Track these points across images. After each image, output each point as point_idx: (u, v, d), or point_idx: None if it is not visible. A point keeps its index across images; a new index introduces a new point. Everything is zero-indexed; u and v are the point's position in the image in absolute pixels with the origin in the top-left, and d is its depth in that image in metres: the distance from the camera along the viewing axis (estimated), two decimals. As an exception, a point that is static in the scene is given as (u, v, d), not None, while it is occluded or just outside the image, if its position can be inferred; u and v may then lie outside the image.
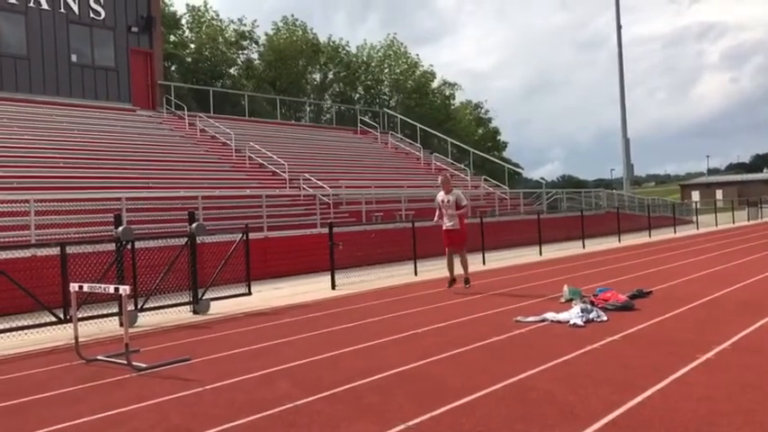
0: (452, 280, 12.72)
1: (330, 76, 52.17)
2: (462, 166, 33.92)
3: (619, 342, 7.42)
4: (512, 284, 13.21)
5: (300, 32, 49.84)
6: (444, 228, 12.67)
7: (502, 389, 5.71)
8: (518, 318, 9.07)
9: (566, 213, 28.58)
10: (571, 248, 21.87)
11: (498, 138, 62.83)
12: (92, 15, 25.19)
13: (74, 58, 24.61)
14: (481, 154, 39.63)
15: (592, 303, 9.40)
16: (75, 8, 24.69)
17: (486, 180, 31.45)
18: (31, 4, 23.52)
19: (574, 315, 8.75)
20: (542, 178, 35.53)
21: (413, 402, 5.39)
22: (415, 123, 36.18)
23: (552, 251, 20.65)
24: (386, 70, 54.38)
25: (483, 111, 62.30)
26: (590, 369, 6.27)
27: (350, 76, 52.16)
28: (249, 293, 11.96)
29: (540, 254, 20.01)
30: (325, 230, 14.82)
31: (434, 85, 56.50)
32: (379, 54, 54.31)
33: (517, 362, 6.61)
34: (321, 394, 5.73)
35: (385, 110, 42.53)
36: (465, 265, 12.81)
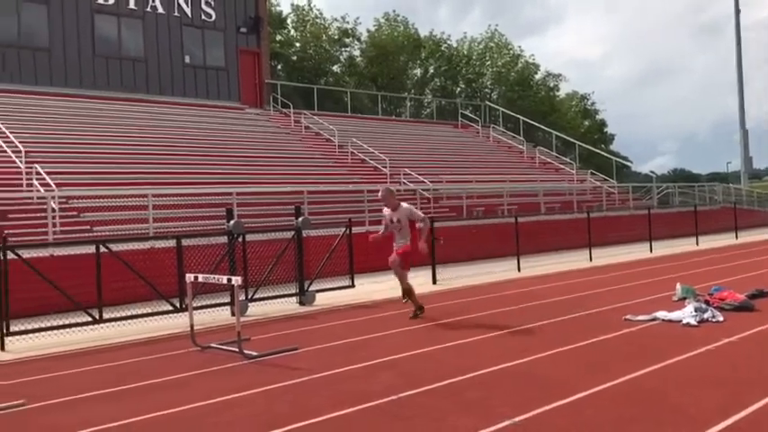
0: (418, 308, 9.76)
1: (431, 70, 52.11)
2: (568, 159, 33.07)
3: (736, 344, 7.04)
4: (620, 282, 12.79)
5: (402, 28, 50.04)
6: (395, 251, 9.79)
7: (611, 388, 5.55)
8: (627, 316, 8.77)
9: (678, 208, 27.33)
10: (683, 245, 20.90)
11: (605, 130, 60.75)
12: (203, 18, 26.30)
13: (187, 59, 25.79)
14: (587, 147, 38.44)
15: (706, 302, 8.97)
16: (188, 11, 25.84)
17: (592, 174, 30.51)
18: (148, 9, 24.81)
19: (687, 314, 8.38)
20: (652, 172, 34.20)
21: (517, 399, 5.33)
22: (518, 116, 35.57)
23: (663, 248, 19.81)
24: (487, 63, 53.74)
25: (589, 102, 60.42)
26: (704, 371, 5.99)
27: (451, 70, 51.88)
28: (352, 286, 12.18)
29: (651, 250, 19.23)
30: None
31: (538, 76, 55.34)
32: (480, 47, 53.74)
33: (626, 361, 6.40)
34: (423, 387, 5.76)
35: (486, 103, 42.08)
36: (406, 289, 9.95)
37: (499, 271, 15.06)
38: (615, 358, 6.63)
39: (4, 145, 16.25)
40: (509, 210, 20.91)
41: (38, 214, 13.60)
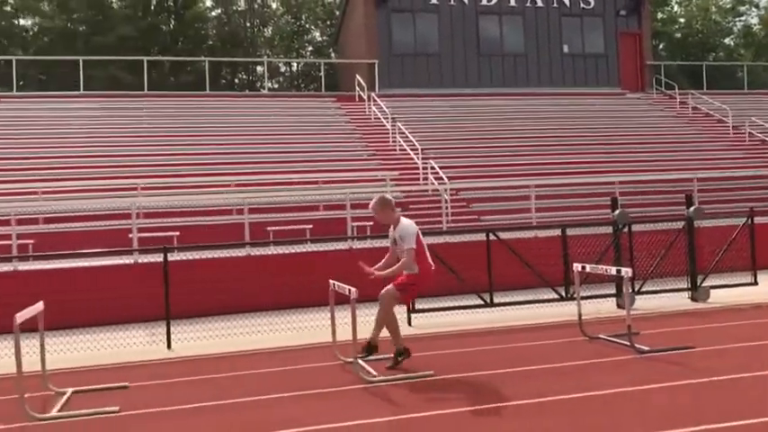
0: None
1: None
2: None
3: None
4: None
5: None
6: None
7: None
8: None
9: None
10: None
11: None
12: (582, 5, 26.03)
13: (565, 48, 25.85)
14: None
15: None
16: (567, 1, 25.85)
17: None
18: (528, 5, 25.48)
19: None
20: None
21: None
22: None
23: None
24: None
25: None
26: None
27: None
28: (755, 283, 10.86)
29: None
30: None
31: None
32: None
33: None
34: None
35: None
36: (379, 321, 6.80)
37: None
38: None
39: (404, 144, 18.26)
40: None
41: (433, 205, 14.98)
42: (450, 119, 21.50)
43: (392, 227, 6.87)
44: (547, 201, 15.14)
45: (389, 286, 6.71)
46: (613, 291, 10.15)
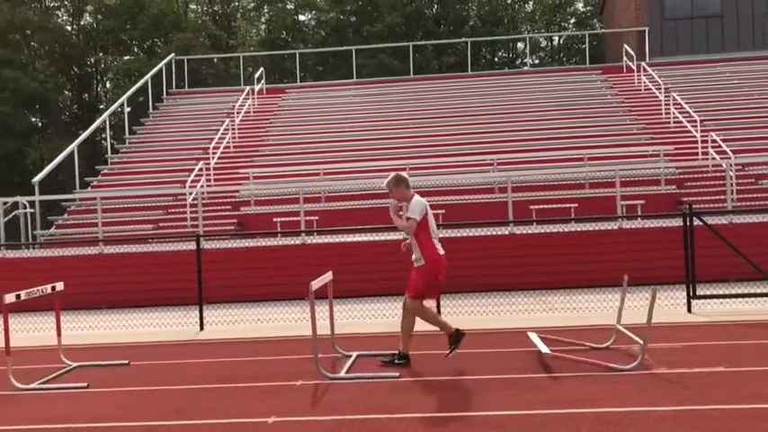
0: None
1: None
2: None
3: None
4: None
5: None
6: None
7: None
8: None
9: None
10: None
11: None
12: None
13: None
14: None
15: None
16: None
17: None
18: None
19: None
20: None
21: None
22: None
23: None
24: None
25: None
26: None
27: None
28: None
29: None
30: None
31: None
32: None
33: None
34: None
35: None
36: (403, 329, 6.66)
37: None
38: None
39: (680, 116, 16.84)
40: None
41: (715, 182, 13.67)
42: (734, 87, 19.41)
43: (405, 206, 6.64)
44: None
45: (406, 296, 6.54)
46: None
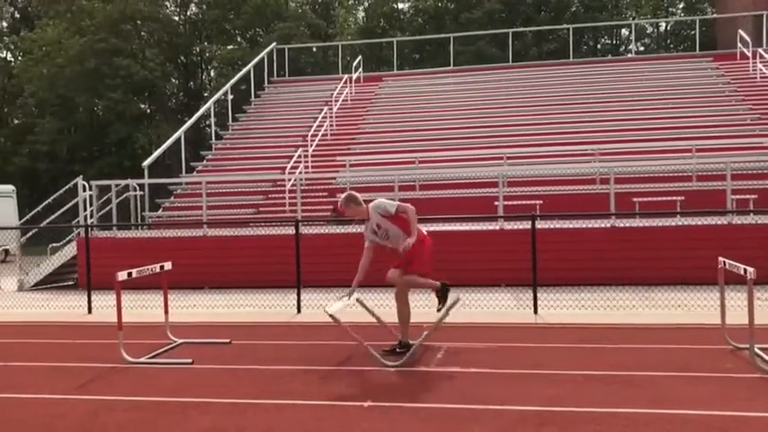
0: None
1: None
2: None
3: None
4: None
5: None
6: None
7: None
8: None
9: None
10: None
11: None
12: None
13: None
14: None
15: None
16: None
17: None
18: None
19: None
20: None
21: None
22: None
23: None
24: None
25: None
26: None
27: None
28: None
29: None
30: None
31: None
32: None
33: None
34: None
35: None
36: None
37: None
38: None
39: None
40: None
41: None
42: None
43: (368, 221, 6.53)
44: None
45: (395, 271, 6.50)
46: None
